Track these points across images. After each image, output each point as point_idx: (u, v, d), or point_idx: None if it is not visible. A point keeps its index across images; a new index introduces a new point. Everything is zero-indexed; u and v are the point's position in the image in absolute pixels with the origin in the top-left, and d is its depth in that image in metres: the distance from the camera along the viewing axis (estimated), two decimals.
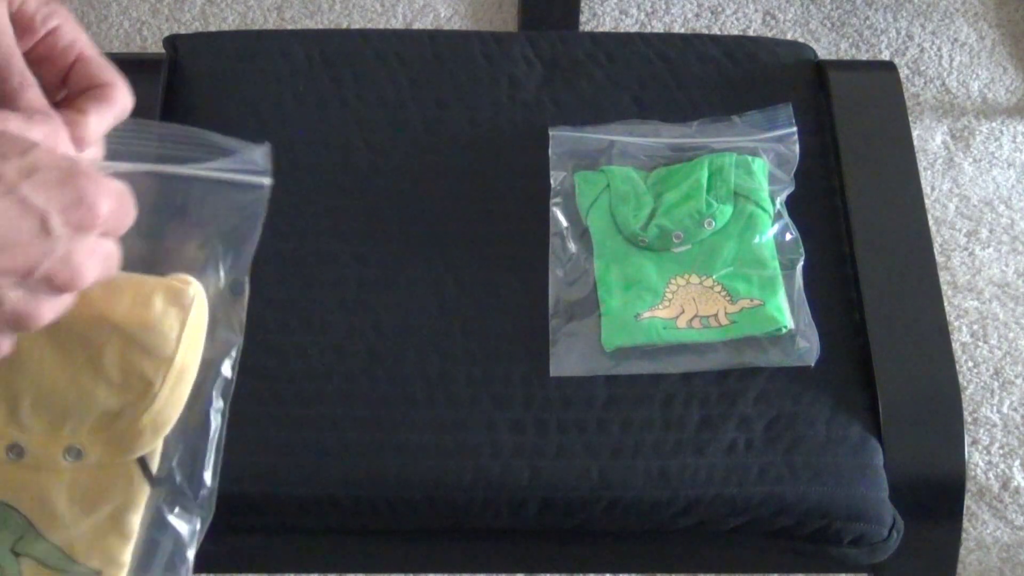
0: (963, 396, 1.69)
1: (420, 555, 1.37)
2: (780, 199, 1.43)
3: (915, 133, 2.15)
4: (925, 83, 2.23)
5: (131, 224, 0.73)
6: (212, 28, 2.23)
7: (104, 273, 0.72)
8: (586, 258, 1.40)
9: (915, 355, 1.37)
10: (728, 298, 1.37)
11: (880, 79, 1.59)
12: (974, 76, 2.25)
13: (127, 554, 0.84)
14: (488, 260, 1.42)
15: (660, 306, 1.37)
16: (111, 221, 0.72)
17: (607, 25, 2.28)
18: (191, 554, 0.91)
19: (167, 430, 0.87)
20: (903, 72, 2.23)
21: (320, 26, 2.24)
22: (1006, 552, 1.76)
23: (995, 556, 1.75)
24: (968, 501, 1.79)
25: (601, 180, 1.43)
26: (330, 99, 1.52)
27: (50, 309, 0.70)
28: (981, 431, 1.85)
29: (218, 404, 0.90)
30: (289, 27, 2.23)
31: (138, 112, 1.50)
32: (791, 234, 1.41)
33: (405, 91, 1.53)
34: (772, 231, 1.40)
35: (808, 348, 1.35)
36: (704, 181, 1.42)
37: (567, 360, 1.35)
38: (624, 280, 1.38)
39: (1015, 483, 1.81)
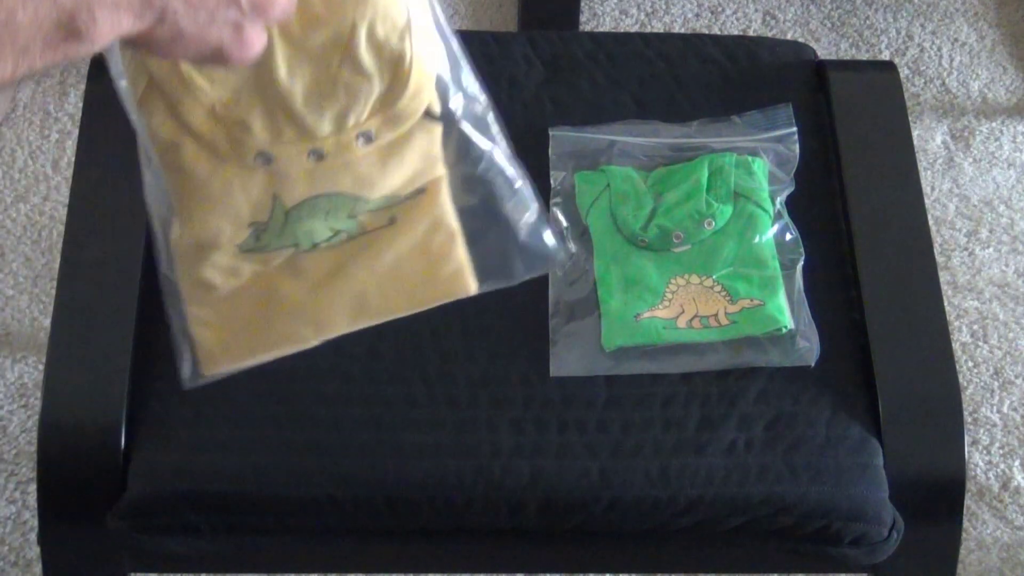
0: (963, 396, 1.69)
1: (420, 555, 1.37)
2: (780, 199, 1.43)
3: (915, 133, 2.15)
4: (925, 83, 2.23)
5: None
6: None
7: None
8: (586, 258, 1.40)
9: (915, 355, 1.37)
10: (728, 298, 1.37)
11: (880, 79, 1.59)
12: (974, 76, 2.25)
13: (439, 169, 0.92)
14: None
15: (660, 306, 1.37)
16: None
17: (607, 25, 2.28)
18: None
19: (431, 85, 0.91)
20: (903, 72, 2.23)
21: None
22: (1006, 552, 1.76)
23: (995, 556, 1.75)
24: (968, 501, 1.79)
25: (601, 180, 1.43)
26: None
27: None
28: (981, 431, 1.85)
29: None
30: None
31: None
32: (791, 234, 1.41)
33: None
34: (772, 231, 1.40)
35: (808, 348, 1.35)
36: (704, 181, 1.42)
37: (567, 360, 1.35)
38: (624, 280, 1.38)
39: (1015, 483, 1.81)
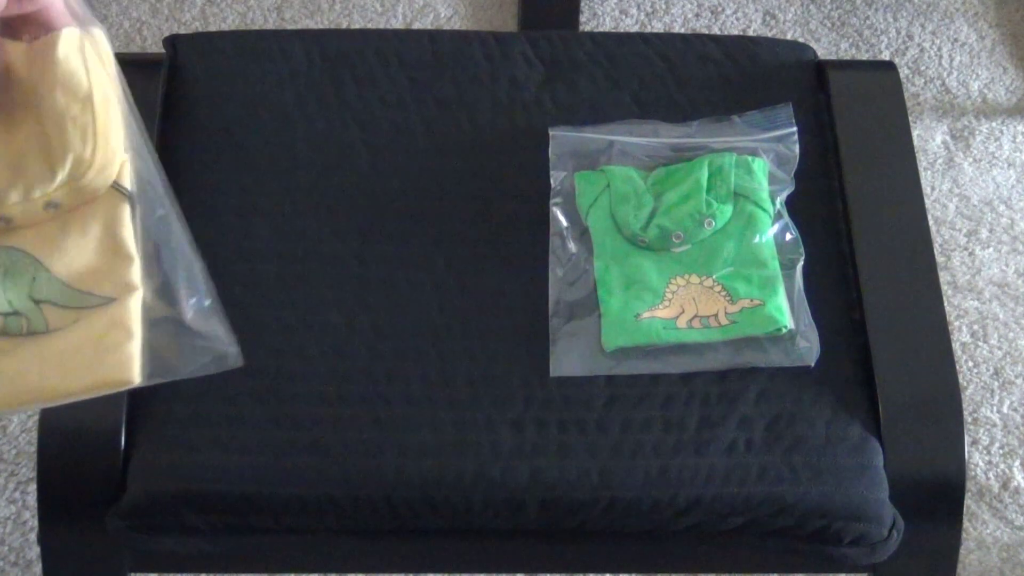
0: (963, 396, 1.69)
1: (420, 555, 1.37)
2: (780, 199, 1.43)
3: (915, 133, 2.15)
4: (925, 83, 2.23)
5: None
6: (212, 28, 2.23)
7: None
8: (586, 258, 1.40)
9: (915, 355, 1.37)
10: (728, 298, 1.37)
11: (880, 79, 1.59)
12: (974, 76, 2.25)
13: (133, 274, 0.91)
14: (488, 260, 1.42)
15: (660, 306, 1.37)
16: None
17: (607, 25, 2.28)
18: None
19: (121, 154, 0.92)
20: (903, 72, 2.23)
21: (320, 26, 2.24)
22: (1006, 552, 1.76)
23: (995, 556, 1.75)
24: (968, 501, 1.79)
25: (601, 180, 1.43)
26: (330, 99, 1.52)
27: None
28: (981, 431, 1.85)
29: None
30: (289, 27, 2.23)
31: (138, 111, 1.50)
32: (791, 234, 1.41)
33: (405, 91, 1.53)
34: (772, 231, 1.40)
35: (808, 348, 1.35)
36: (704, 181, 1.42)
37: (567, 360, 1.35)
38: (624, 280, 1.38)
39: (1015, 483, 1.81)
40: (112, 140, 0.91)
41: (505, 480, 1.29)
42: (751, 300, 1.36)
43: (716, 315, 1.36)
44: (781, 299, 1.36)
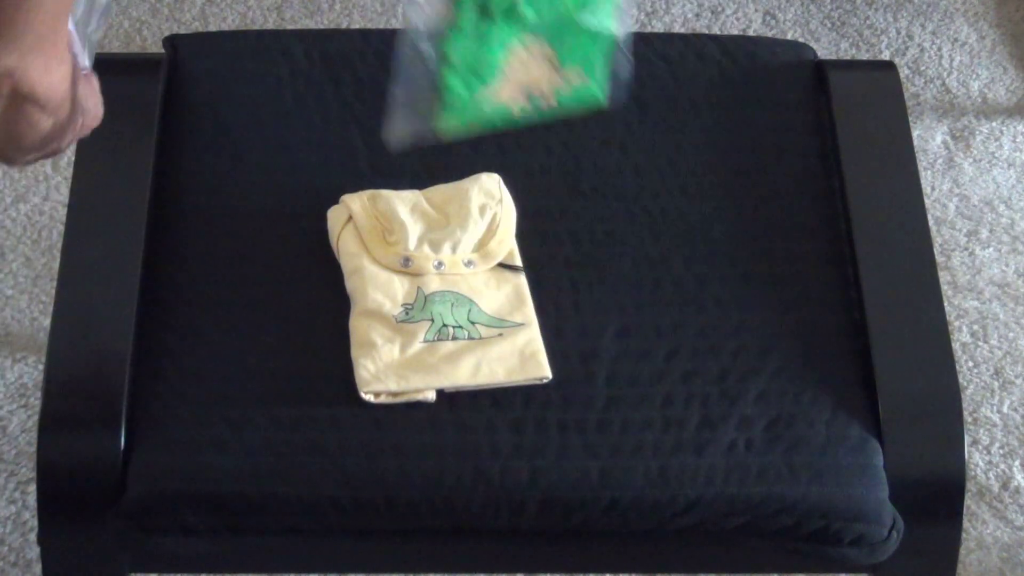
0: (963, 396, 1.69)
1: (420, 555, 1.37)
2: None
3: (915, 133, 2.15)
4: (925, 83, 2.23)
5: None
6: (212, 28, 2.23)
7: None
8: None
9: (915, 355, 1.37)
10: (555, 67, 1.34)
11: (880, 79, 1.59)
12: (974, 76, 2.25)
13: (530, 312, 1.39)
14: None
15: (497, 84, 1.34)
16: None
17: None
18: None
19: (509, 243, 1.45)
20: (903, 72, 2.23)
21: (320, 26, 2.24)
22: (1006, 552, 1.76)
23: (995, 556, 1.75)
24: (968, 501, 1.79)
25: None
26: (330, 99, 1.52)
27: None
28: (981, 431, 1.85)
29: None
30: (289, 27, 2.23)
31: (138, 111, 1.50)
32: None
33: None
34: None
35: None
36: None
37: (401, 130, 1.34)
38: (466, 52, 1.33)
39: (1015, 483, 1.81)
40: (506, 236, 1.42)
41: (504, 480, 1.29)
42: (579, 74, 1.34)
43: (543, 92, 1.34)
44: (601, 72, 1.34)
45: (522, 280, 1.41)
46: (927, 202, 1.98)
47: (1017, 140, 2.18)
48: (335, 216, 1.42)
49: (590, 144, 1.51)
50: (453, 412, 1.33)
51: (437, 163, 1.49)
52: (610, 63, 1.35)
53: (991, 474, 1.83)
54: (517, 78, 1.34)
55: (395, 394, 1.32)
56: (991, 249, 2.04)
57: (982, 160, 2.15)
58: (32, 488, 1.74)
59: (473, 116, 1.34)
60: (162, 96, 1.50)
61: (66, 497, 1.31)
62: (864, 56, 2.26)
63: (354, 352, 1.34)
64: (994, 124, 2.19)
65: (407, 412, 1.33)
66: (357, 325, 1.36)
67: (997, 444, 1.85)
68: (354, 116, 1.51)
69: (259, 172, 1.48)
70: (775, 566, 1.38)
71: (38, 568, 1.69)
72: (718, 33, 2.27)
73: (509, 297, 1.39)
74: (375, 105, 1.52)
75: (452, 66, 1.34)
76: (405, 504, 1.29)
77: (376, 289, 1.37)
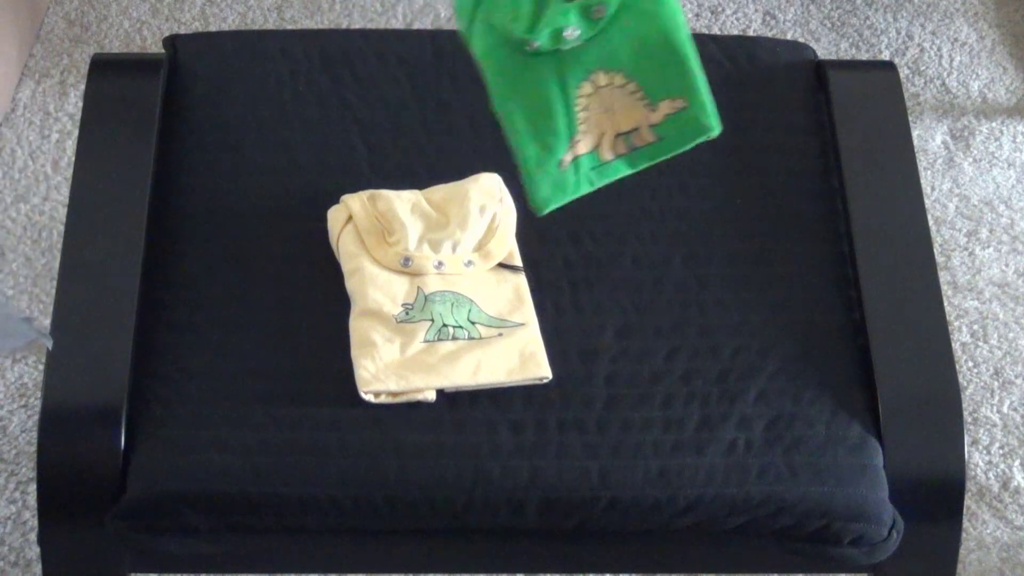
0: (963, 396, 1.69)
1: (420, 555, 1.37)
2: None
3: (915, 133, 2.15)
4: (925, 83, 2.23)
5: None
6: (212, 28, 2.23)
7: None
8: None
9: (915, 355, 1.37)
10: (646, 102, 1.25)
11: (880, 79, 1.59)
12: (974, 76, 2.25)
13: (528, 312, 1.39)
14: None
15: (578, 135, 1.26)
16: None
17: None
18: None
19: (509, 241, 1.44)
20: (903, 72, 2.23)
21: (320, 26, 2.24)
22: (1006, 552, 1.76)
23: (995, 556, 1.75)
24: (968, 501, 1.79)
25: None
26: (330, 99, 1.52)
27: None
28: (981, 431, 1.85)
29: None
30: (289, 27, 2.23)
31: (138, 111, 1.51)
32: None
33: (405, 91, 1.53)
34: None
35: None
36: None
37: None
38: (527, 112, 1.25)
39: (1015, 483, 1.81)
40: (505, 225, 1.43)
41: (505, 480, 1.29)
42: (672, 100, 1.24)
43: (639, 131, 1.26)
44: (705, 95, 1.24)
45: (522, 280, 1.40)
46: (927, 202, 1.98)
47: (1017, 140, 2.18)
48: (335, 216, 1.42)
49: None
50: (453, 412, 1.33)
51: (437, 163, 1.49)
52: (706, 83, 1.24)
53: (991, 474, 1.83)
54: (597, 121, 1.26)
55: (395, 394, 1.32)
56: (991, 249, 2.04)
57: (982, 160, 2.15)
58: (32, 488, 1.74)
59: (570, 190, 1.27)
60: (162, 96, 1.50)
61: (66, 497, 1.31)
62: (864, 56, 2.26)
63: (354, 352, 1.34)
64: (994, 124, 2.19)
65: (407, 412, 1.33)
66: (357, 325, 1.36)
67: (997, 444, 1.85)
68: (354, 116, 1.51)
69: (259, 172, 1.48)
70: (775, 566, 1.39)
71: (38, 568, 1.69)
72: (718, 33, 2.27)
73: (509, 297, 1.39)
74: (375, 105, 1.52)
75: (517, 132, 1.26)
76: (405, 504, 1.29)
77: (376, 289, 1.37)
